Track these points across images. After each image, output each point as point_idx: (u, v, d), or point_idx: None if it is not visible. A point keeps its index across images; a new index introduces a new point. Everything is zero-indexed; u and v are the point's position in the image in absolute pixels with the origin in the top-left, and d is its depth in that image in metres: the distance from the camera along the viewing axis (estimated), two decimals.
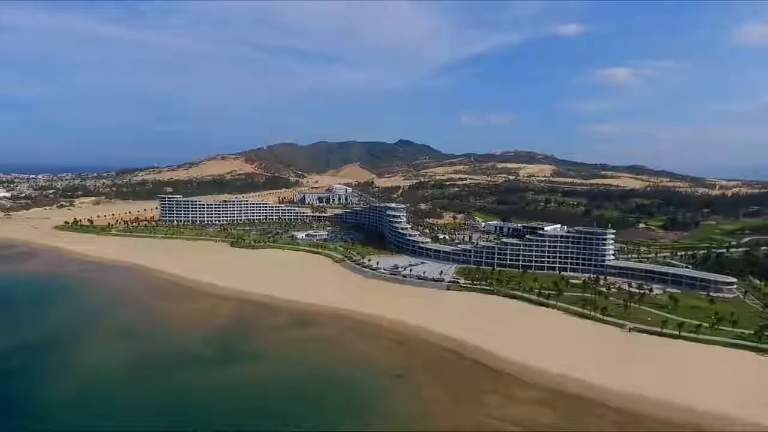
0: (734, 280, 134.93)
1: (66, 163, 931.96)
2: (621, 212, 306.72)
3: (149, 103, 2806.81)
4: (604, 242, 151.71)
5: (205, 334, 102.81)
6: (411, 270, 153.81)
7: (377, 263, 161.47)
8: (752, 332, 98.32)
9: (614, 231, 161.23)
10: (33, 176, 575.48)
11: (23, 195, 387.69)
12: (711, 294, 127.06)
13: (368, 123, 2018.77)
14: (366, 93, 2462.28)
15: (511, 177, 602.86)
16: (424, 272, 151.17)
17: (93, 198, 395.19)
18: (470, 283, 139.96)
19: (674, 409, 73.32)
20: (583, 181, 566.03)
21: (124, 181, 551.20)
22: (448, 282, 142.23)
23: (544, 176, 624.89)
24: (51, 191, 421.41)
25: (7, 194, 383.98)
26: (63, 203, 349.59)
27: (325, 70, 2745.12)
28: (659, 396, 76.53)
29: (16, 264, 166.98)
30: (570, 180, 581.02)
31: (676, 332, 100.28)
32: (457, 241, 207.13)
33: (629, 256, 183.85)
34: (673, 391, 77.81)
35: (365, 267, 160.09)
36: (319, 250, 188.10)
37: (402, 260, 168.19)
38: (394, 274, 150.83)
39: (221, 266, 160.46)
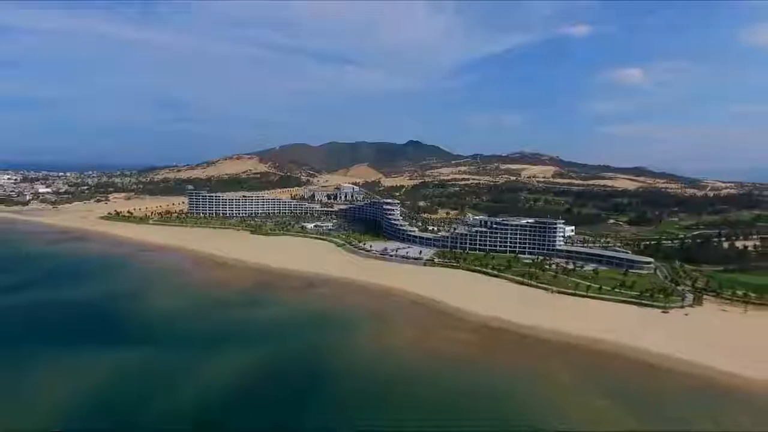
0: (651, 260, 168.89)
1: (86, 161, 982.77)
2: (599, 210, 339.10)
3: (164, 103, 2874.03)
4: (554, 231, 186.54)
5: (237, 290, 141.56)
6: (398, 252, 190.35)
7: (371, 246, 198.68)
8: (638, 293, 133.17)
9: (564, 221, 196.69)
10: (62, 174, 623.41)
11: (62, 191, 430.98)
12: (631, 270, 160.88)
13: (379, 124, 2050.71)
14: (378, 94, 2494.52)
15: (512, 177, 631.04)
16: (407, 253, 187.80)
17: (124, 194, 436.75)
18: (443, 261, 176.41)
19: (565, 335, 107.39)
20: (581, 182, 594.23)
21: (147, 178, 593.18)
22: (426, 260, 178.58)
23: (544, 177, 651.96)
24: (85, 187, 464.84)
25: (48, 190, 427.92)
26: (99, 198, 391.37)
27: (338, 71, 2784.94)
28: (556, 328, 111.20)
29: (81, 245, 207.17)
30: (568, 181, 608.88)
31: (584, 293, 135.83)
32: (442, 231, 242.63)
33: (586, 244, 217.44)
34: (568, 325, 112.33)
35: (361, 249, 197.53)
36: (325, 238, 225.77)
37: (392, 245, 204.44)
38: (384, 255, 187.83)
39: (245, 248, 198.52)
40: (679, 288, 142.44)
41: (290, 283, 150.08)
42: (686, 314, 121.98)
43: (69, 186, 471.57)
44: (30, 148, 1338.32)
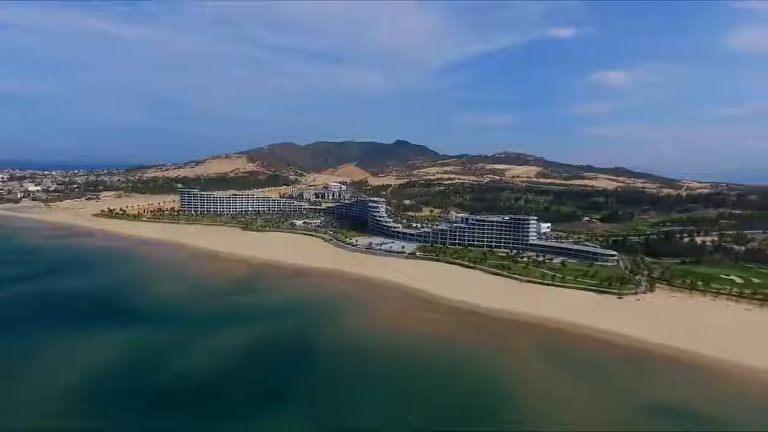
0: (614, 253, 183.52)
1: (69, 159, 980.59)
2: (577, 208, 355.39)
3: (152, 102, 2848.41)
4: (527, 226, 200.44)
5: (232, 280, 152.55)
6: (382, 246, 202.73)
7: (357, 241, 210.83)
8: (598, 282, 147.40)
9: (537, 218, 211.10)
10: (48, 172, 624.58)
11: (52, 189, 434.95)
12: (596, 262, 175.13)
13: (367, 123, 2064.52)
14: (366, 94, 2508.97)
15: (497, 177, 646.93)
16: (391, 248, 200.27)
17: (114, 192, 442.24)
18: (423, 255, 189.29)
19: (527, 317, 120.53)
20: (563, 182, 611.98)
21: (136, 177, 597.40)
22: (408, 254, 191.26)
23: (528, 177, 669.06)
24: (74, 186, 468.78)
25: (38, 188, 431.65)
26: (90, 196, 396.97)
27: (326, 71, 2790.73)
28: (521, 311, 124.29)
29: (81, 240, 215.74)
30: (550, 181, 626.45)
31: (550, 282, 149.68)
32: (425, 228, 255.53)
33: (559, 240, 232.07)
34: (531, 308, 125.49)
35: (347, 244, 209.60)
36: (313, 234, 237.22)
37: (377, 240, 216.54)
38: (369, 249, 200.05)
39: (237, 242, 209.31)
40: (636, 277, 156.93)
41: (281, 273, 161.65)
42: (638, 299, 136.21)
43: (58, 184, 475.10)
44: (13, 146, 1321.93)
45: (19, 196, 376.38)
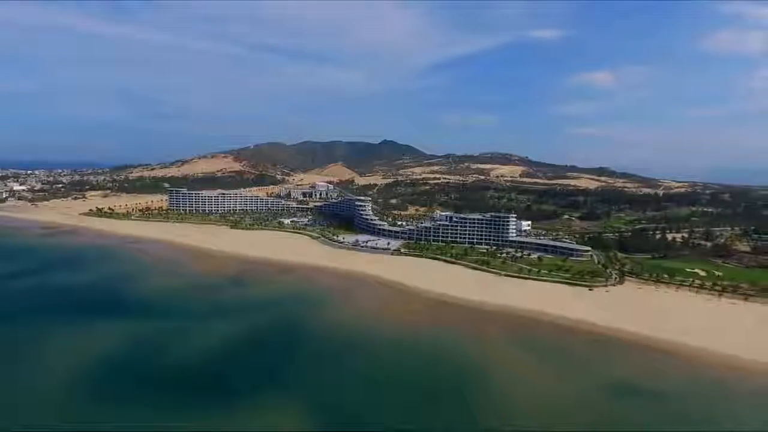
0: (589, 248, 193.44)
1: (51, 158, 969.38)
2: (557, 206, 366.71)
3: (136, 100, 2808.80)
4: (507, 224, 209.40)
5: (223, 275, 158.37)
6: (368, 243, 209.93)
7: (344, 239, 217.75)
8: (571, 275, 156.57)
9: (516, 216, 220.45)
10: (31, 171, 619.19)
11: (37, 188, 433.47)
12: (571, 257, 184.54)
13: (354, 123, 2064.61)
14: (354, 93, 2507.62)
15: (482, 177, 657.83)
16: (377, 244, 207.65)
17: (101, 192, 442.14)
18: (408, 251, 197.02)
19: (502, 307, 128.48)
20: (546, 182, 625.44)
21: (122, 177, 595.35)
22: (393, 250, 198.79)
23: (512, 176, 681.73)
24: (60, 185, 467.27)
25: (23, 187, 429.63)
26: (77, 196, 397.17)
27: (311, 70, 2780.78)
28: (497, 302, 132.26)
29: (73, 238, 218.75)
30: (534, 180, 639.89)
31: (526, 275, 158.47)
32: (409, 225, 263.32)
33: (539, 236, 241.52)
34: (507, 300, 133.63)
35: (334, 241, 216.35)
36: (301, 232, 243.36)
37: (363, 237, 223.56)
38: (355, 246, 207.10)
39: (227, 240, 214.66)
40: (607, 271, 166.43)
41: (271, 269, 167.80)
42: (607, 291, 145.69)
43: (43, 184, 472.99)
44: None
45: (4, 196, 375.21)
